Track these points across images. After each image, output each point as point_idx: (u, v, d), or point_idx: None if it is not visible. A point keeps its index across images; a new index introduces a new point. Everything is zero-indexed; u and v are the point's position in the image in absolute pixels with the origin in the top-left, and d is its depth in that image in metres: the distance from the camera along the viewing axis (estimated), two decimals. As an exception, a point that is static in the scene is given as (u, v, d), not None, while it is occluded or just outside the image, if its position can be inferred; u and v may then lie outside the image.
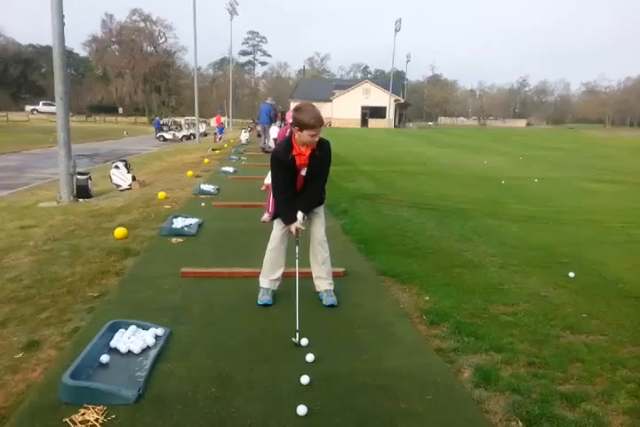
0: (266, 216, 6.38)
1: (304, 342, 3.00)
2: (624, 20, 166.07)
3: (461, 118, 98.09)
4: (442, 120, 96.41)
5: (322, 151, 3.43)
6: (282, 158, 3.39)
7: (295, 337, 3.03)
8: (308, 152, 3.38)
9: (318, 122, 3.25)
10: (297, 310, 3.18)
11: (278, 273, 3.74)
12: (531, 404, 2.47)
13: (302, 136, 3.28)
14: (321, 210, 3.78)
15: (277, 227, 3.72)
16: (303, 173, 3.48)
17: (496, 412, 2.42)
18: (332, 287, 3.76)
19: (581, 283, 4.46)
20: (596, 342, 3.26)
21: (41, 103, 61.14)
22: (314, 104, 3.43)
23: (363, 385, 2.59)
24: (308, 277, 3.75)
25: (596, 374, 2.82)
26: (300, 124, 3.24)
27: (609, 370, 2.86)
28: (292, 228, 3.48)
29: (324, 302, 3.67)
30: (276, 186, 3.55)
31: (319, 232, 3.76)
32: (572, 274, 4.61)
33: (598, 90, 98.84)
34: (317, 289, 3.79)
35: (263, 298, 3.68)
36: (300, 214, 3.50)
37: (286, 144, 3.42)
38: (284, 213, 3.55)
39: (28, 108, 60.77)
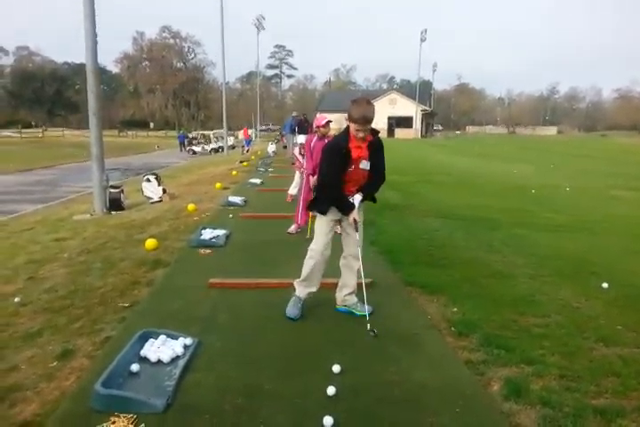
0: (292, 228, 6.42)
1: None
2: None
3: (489, 126, 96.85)
4: (469, 129, 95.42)
5: (377, 144, 3.49)
6: (337, 148, 3.40)
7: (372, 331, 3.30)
8: (364, 145, 3.42)
9: (363, 119, 3.26)
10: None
11: (318, 284, 3.67)
12: (563, 418, 2.41)
13: (351, 127, 3.34)
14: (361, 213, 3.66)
15: (323, 229, 3.58)
16: (363, 165, 3.46)
17: (526, 426, 2.36)
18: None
19: (614, 294, 4.34)
20: (632, 355, 3.16)
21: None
22: (371, 102, 3.37)
23: (389, 397, 2.57)
24: (332, 288, 3.77)
25: (632, 388, 2.73)
26: (349, 116, 3.31)
27: (645, 384, 2.77)
28: (351, 217, 3.46)
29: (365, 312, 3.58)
30: (326, 174, 3.50)
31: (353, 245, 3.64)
32: (605, 285, 4.49)
33: (631, 95, 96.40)
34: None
35: (293, 311, 3.58)
36: (357, 197, 3.47)
37: (343, 136, 3.44)
38: (341, 198, 3.48)
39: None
